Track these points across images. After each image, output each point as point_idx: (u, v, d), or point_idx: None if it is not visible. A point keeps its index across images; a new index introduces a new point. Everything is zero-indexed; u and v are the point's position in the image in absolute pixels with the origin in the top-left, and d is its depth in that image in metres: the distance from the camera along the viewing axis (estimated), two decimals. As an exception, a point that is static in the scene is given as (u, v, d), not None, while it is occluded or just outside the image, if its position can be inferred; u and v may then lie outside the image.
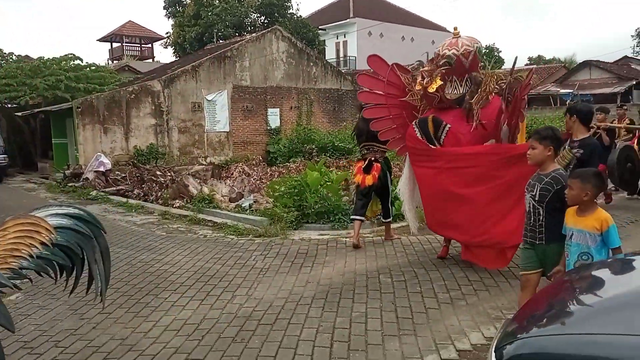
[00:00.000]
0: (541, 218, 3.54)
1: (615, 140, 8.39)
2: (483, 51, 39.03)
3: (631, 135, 9.00)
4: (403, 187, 6.10)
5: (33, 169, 19.69)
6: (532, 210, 3.59)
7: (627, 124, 8.84)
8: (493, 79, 5.26)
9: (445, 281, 5.17)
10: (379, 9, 39.68)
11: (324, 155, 15.72)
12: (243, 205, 9.46)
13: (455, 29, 5.46)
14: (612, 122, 8.72)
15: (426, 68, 5.31)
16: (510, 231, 4.75)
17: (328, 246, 6.82)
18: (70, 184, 13.68)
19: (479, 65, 5.43)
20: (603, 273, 2.87)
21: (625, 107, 9.50)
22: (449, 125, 5.15)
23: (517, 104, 5.09)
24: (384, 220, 7.06)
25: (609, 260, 3.19)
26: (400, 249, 6.50)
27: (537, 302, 2.78)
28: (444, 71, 5.20)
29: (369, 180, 6.55)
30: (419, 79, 5.30)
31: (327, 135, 17.79)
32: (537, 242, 3.58)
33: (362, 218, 6.85)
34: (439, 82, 5.16)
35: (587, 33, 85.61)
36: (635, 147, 8.29)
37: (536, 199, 3.54)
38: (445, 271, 5.49)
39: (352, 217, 6.96)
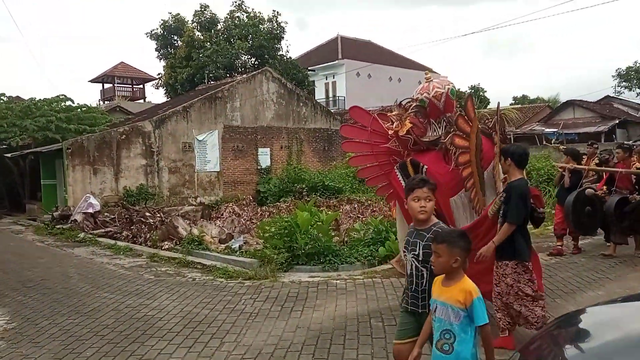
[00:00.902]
0: (425, 282, 3.11)
1: (583, 181, 8.03)
2: (466, 91, 39.89)
3: (597, 176, 8.49)
4: (399, 232, 6.12)
5: (21, 210, 19.46)
6: (414, 272, 3.15)
7: (596, 164, 8.32)
8: (457, 123, 5.37)
9: (437, 325, 5.11)
10: (366, 50, 40.67)
11: (314, 194, 15.76)
12: (233, 246, 9.40)
13: (426, 73, 5.66)
14: (583, 162, 8.39)
15: (394, 113, 5.43)
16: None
17: (319, 289, 6.75)
18: (58, 226, 13.52)
19: (455, 106, 5.53)
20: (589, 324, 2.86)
21: (595, 146, 9.01)
22: (426, 167, 5.21)
23: (501, 141, 5.22)
24: None
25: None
26: (392, 291, 6.46)
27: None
28: (412, 114, 5.32)
29: None
30: (389, 123, 5.41)
31: (317, 174, 17.89)
32: (420, 310, 3.15)
33: None
34: (409, 125, 5.27)
35: (569, 73, 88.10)
36: (604, 188, 7.96)
37: (420, 259, 3.12)
38: (437, 314, 5.43)
39: None
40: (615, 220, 7.58)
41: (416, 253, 3.13)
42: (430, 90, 5.31)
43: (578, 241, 8.41)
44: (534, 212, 4.67)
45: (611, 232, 7.94)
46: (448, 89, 5.37)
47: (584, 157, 8.75)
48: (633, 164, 7.76)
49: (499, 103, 5.67)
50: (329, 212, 10.72)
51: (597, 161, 8.45)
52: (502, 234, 4.47)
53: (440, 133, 5.38)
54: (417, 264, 3.13)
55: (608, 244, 8.26)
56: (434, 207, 3.19)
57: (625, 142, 9.11)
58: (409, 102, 5.44)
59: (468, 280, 2.84)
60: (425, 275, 3.11)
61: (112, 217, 13.30)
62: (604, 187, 8.02)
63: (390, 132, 5.42)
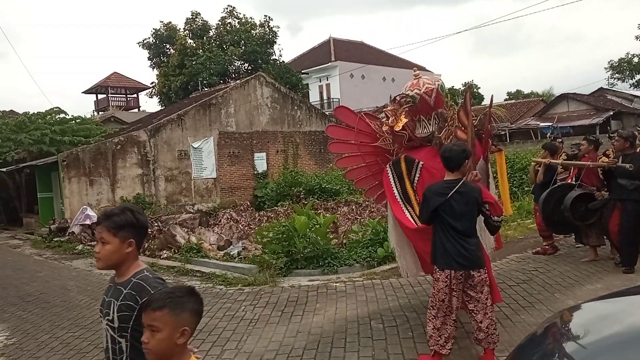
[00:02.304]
0: (125, 357, 2.19)
1: (557, 177, 7.55)
2: (460, 88, 39.98)
3: (567, 172, 7.93)
4: (390, 233, 6.06)
5: (18, 224, 19.42)
6: (110, 344, 2.23)
7: (564, 159, 7.80)
8: (459, 115, 5.35)
9: (437, 324, 5.11)
10: (359, 51, 40.70)
11: (312, 197, 15.76)
12: (231, 253, 9.38)
13: (414, 70, 5.60)
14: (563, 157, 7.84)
15: (389, 108, 5.37)
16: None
17: (318, 292, 6.75)
18: (55, 239, 13.50)
19: (445, 102, 5.51)
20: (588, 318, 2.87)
21: (560, 140, 8.50)
22: (421, 162, 5.14)
23: (487, 138, 5.21)
24: None
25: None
26: (391, 292, 6.45)
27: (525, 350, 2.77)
28: (407, 109, 5.28)
29: None
30: (384, 119, 5.35)
31: (314, 177, 17.89)
32: None
33: None
34: (404, 120, 5.17)
35: (562, 66, 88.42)
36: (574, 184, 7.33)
37: (115, 325, 2.19)
38: (437, 313, 5.43)
39: None
40: (572, 218, 6.89)
41: (110, 318, 2.21)
42: (421, 87, 5.23)
43: (552, 240, 7.93)
44: (488, 219, 4.31)
45: (582, 234, 7.38)
46: (438, 84, 5.32)
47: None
48: (599, 159, 7.08)
49: (492, 96, 5.62)
50: (327, 215, 10.71)
51: (564, 157, 7.90)
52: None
53: (431, 129, 5.34)
54: (112, 332, 2.21)
55: (577, 245, 7.89)
56: (123, 253, 2.25)
57: (593, 135, 8.23)
58: (403, 97, 5.34)
59: None
60: (124, 349, 2.19)
61: (110, 227, 13.25)
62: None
63: (385, 127, 5.37)
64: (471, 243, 4.15)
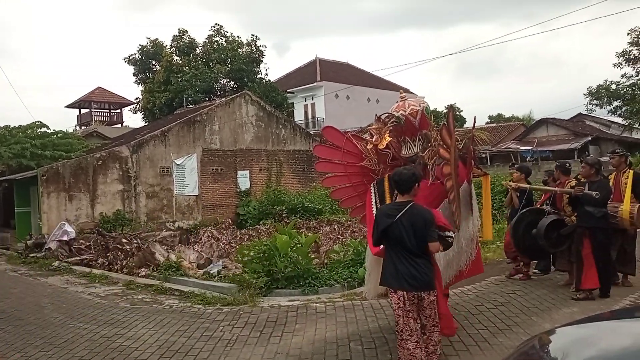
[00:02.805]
0: None
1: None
2: (442, 110, 40.54)
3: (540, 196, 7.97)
4: (368, 253, 6.04)
5: (-7, 239, 18.97)
6: None
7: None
8: (441, 134, 5.42)
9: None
10: (345, 72, 41.16)
11: (294, 216, 15.74)
12: (211, 271, 9.29)
13: (401, 92, 5.70)
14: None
15: (374, 127, 5.44)
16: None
17: (298, 313, 6.70)
18: (32, 255, 13.20)
19: (429, 123, 5.59)
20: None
21: (516, 171, 8.12)
22: None
23: (471, 160, 5.30)
24: None
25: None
26: (371, 313, 6.43)
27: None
28: (391, 128, 5.34)
29: None
30: (368, 137, 5.42)
31: (297, 196, 17.90)
32: None
33: None
34: (388, 139, 5.26)
35: (542, 91, 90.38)
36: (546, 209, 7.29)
37: None
38: (416, 335, 5.42)
39: None
40: (546, 244, 6.85)
41: None
42: (407, 108, 5.32)
43: (529, 268, 7.85)
44: (440, 239, 4.34)
45: (555, 259, 7.47)
46: (423, 106, 5.42)
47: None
48: (568, 183, 7.10)
49: (475, 117, 5.74)
50: (309, 234, 10.70)
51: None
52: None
53: (415, 150, 5.41)
54: None
55: (535, 271, 7.91)
56: None
57: (559, 160, 8.29)
58: (387, 116, 5.42)
59: None
60: None
61: (88, 244, 13.05)
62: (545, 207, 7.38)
63: (369, 145, 5.42)
64: (421, 264, 4.20)
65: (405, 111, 5.32)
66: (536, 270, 8.00)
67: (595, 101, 30.45)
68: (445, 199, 5.19)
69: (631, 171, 7.01)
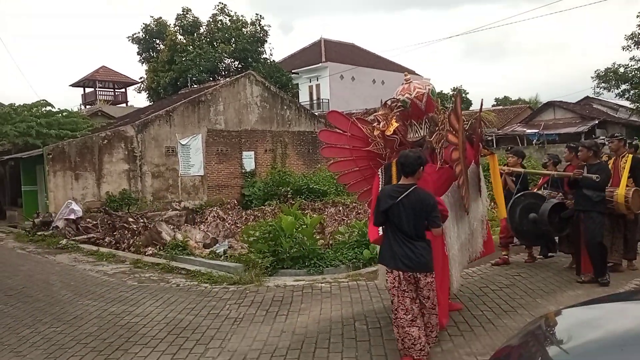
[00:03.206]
0: None
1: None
2: (448, 92, 40.29)
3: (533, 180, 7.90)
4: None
5: (1, 217, 19.16)
6: None
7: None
8: (450, 119, 5.40)
9: (421, 326, 5.16)
10: (350, 53, 40.80)
11: (299, 197, 15.77)
12: (217, 251, 9.36)
13: (405, 74, 5.61)
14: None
15: (380, 112, 5.39)
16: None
17: (303, 292, 6.77)
18: (39, 233, 13.34)
19: (435, 106, 5.54)
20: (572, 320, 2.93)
21: (511, 155, 8.02)
22: None
23: (479, 142, 5.29)
24: None
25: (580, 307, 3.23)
26: (376, 294, 6.49)
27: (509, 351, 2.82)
28: (398, 113, 5.30)
29: None
30: (375, 123, 5.37)
31: (301, 177, 17.90)
32: None
33: None
34: (395, 124, 5.21)
35: (550, 74, 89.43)
36: (542, 192, 7.39)
37: None
38: (421, 316, 5.48)
39: None
40: (550, 229, 6.84)
41: None
42: (412, 91, 5.25)
43: (531, 249, 7.86)
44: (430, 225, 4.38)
45: (560, 241, 7.42)
46: (429, 89, 5.35)
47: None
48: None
49: (482, 100, 5.67)
50: (314, 215, 10.73)
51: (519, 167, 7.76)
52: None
53: (422, 133, 5.38)
54: None
55: (539, 257, 7.85)
56: None
57: (574, 142, 8.00)
58: (393, 101, 5.38)
59: None
60: None
61: (95, 223, 13.15)
62: (544, 190, 7.41)
63: (376, 132, 5.39)
64: (418, 246, 4.26)
65: (411, 94, 5.25)
66: (541, 256, 7.95)
67: (603, 84, 30.09)
68: (453, 182, 5.20)
69: (630, 155, 6.91)
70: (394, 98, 5.43)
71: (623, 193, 6.55)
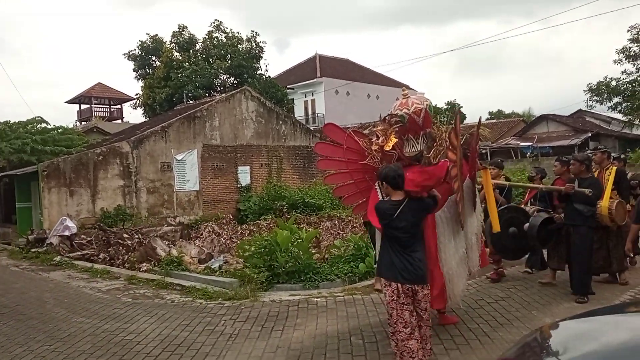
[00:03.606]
0: None
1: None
2: (444, 107, 40.57)
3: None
4: (377, 241, 6.04)
5: (-6, 234, 19.01)
6: None
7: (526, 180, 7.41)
8: (447, 133, 5.43)
9: (417, 340, 5.13)
10: (345, 68, 41.10)
11: (295, 212, 15.76)
12: (213, 266, 9.31)
13: (403, 89, 5.61)
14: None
15: (379, 127, 5.39)
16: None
17: (299, 307, 6.73)
18: (33, 250, 13.24)
19: (432, 122, 5.56)
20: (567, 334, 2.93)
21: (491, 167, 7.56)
22: None
23: (474, 157, 5.31)
24: None
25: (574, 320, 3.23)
26: (372, 308, 6.47)
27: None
28: (397, 129, 5.31)
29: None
30: (374, 138, 5.37)
31: (297, 191, 17.91)
32: None
33: None
34: (394, 140, 5.21)
35: (542, 87, 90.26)
36: (528, 208, 7.21)
37: None
38: (417, 330, 5.45)
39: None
40: (538, 243, 6.77)
41: None
42: (410, 106, 5.27)
43: (499, 265, 7.57)
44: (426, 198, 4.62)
45: (548, 256, 7.21)
46: (426, 104, 5.37)
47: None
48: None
49: (480, 118, 5.70)
50: (310, 230, 10.71)
51: (503, 179, 7.69)
52: None
53: (419, 148, 5.38)
54: None
55: (529, 271, 7.74)
56: None
57: (565, 156, 7.93)
58: (393, 117, 5.37)
59: None
60: None
61: (89, 239, 13.08)
62: (529, 206, 7.25)
63: (375, 147, 5.36)
64: (415, 258, 4.30)
65: (409, 109, 5.26)
66: (528, 269, 7.84)
67: (595, 97, 30.30)
68: (450, 197, 5.21)
69: (614, 167, 6.92)
70: (391, 113, 5.44)
71: (607, 205, 6.50)
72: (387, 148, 5.21)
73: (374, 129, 5.48)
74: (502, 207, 6.98)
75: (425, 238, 4.82)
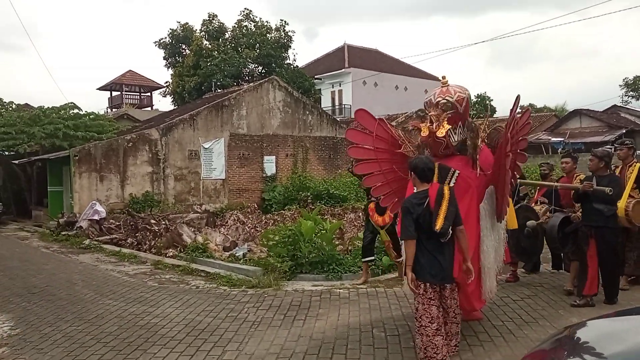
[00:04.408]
0: None
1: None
2: (474, 100, 39.87)
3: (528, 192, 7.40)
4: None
5: (27, 216, 19.62)
6: None
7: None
8: (485, 125, 5.29)
9: (440, 335, 5.08)
10: (373, 59, 40.77)
11: (319, 202, 15.77)
12: (237, 254, 9.41)
13: (443, 77, 5.34)
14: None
15: (433, 112, 5.05)
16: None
17: (321, 298, 6.75)
18: (63, 233, 13.61)
19: (469, 113, 5.37)
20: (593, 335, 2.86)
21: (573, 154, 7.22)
22: (458, 171, 4.95)
23: (501, 153, 5.05)
24: (397, 261, 7.17)
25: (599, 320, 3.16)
26: (395, 301, 6.44)
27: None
28: (450, 115, 5.00)
29: (385, 219, 7.13)
30: (427, 123, 5.05)
31: (322, 182, 17.91)
32: None
33: (372, 258, 7.69)
34: (447, 126, 4.94)
35: (576, 82, 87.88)
36: (538, 207, 6.82)
37: None
38: (440, 324, 5.40)
39: (363, 259, 7.63)
40: (560, 245, 6.36)
41: None
42: (453, 94, 5.03)
43: (516, 267, 7.31)
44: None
45: (565, 258, 6.94)
46: (468, 94, 5.15)
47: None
48: (577, 176, 6.43)
49: (518, 95, 5.28)
50: (333, 221, 10.71)
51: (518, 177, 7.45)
52: (404, 251, 4.53)
53: (456, 139, 5.13)
54: None
55: (552, 270, 7.55)
56: None
57: (573, 152, 7.49)
58: (445, 103, 5.04)
59: None
60: None
61: (118, 224, 13.37)
62: (538, 206, 6.88)
63: (424, 132, 5.03)
64: (445, 254, 4.28)
65: (452, 97, 5.01)
66: (523, 270, 7.59)
67: (631, 92, 29.43)
68: (486, 190, 5.08)
69: (637, 165, 6.42)
70: (432, 101, 5.12)
71: (623, 206, 6.03)
72: (439, 134, 4.92)
73: (430, 114, 5.09)
74: (519, 206, 6.68)
75: (468, 229, 4.62)
